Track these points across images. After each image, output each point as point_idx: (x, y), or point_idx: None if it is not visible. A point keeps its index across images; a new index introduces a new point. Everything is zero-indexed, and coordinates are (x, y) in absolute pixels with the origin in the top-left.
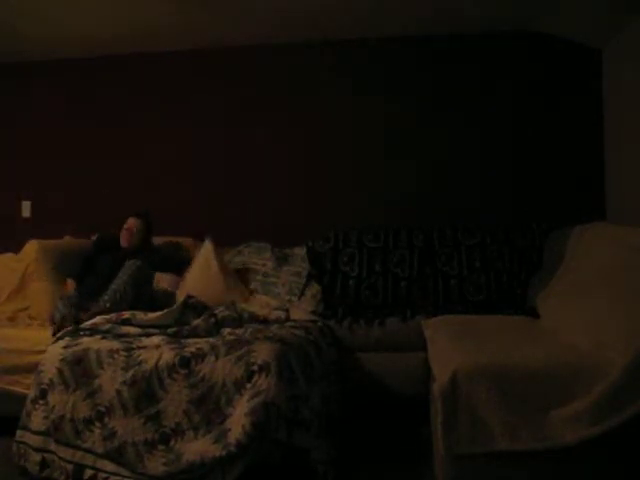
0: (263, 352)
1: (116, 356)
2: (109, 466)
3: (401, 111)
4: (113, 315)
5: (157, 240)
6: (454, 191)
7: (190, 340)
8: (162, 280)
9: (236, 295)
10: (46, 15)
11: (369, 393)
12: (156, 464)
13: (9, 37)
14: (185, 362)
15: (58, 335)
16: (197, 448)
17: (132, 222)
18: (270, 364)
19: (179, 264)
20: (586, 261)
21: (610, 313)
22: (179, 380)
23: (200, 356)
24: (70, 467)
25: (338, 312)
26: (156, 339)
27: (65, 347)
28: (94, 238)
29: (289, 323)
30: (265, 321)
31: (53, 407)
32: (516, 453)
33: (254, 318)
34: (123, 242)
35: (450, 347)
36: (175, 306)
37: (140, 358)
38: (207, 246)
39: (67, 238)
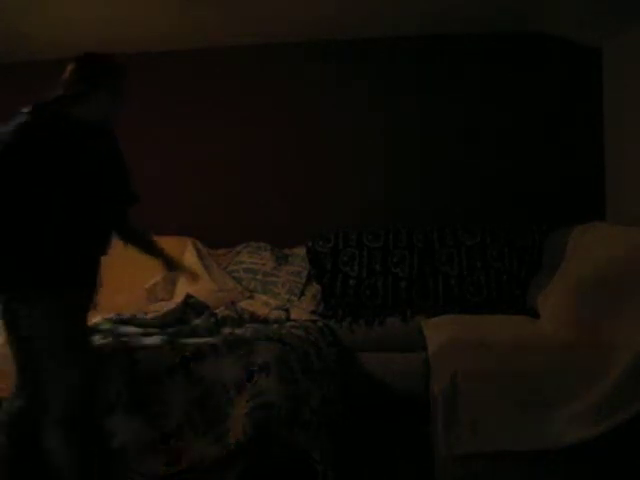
0: (263, 352)
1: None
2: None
3: (401, 111)
4: (113, 315)
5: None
6: (454, 191)
7: (190, 340)
8: None
9: (230, 294)
10: (47, 15)
11: (369, 393)
12: (156, 464)
13: (9, 37)
14: (185, 362)
15: None
16: (197, 448)
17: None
18: (270, 364)
19: None
20: (586, 261)
21: (610, 313)
22: (179, 380)
23: (200, 356)
24: None
25: (338, 312)
26: (156, 339)
27: None
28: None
29: (289, 323)
30: (265, 321)
31: None
32: (516, 453)
33: (254, 318)
34: None
35: (450, 347)
36: (175, 306)
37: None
38: (190, 249)
39: None
